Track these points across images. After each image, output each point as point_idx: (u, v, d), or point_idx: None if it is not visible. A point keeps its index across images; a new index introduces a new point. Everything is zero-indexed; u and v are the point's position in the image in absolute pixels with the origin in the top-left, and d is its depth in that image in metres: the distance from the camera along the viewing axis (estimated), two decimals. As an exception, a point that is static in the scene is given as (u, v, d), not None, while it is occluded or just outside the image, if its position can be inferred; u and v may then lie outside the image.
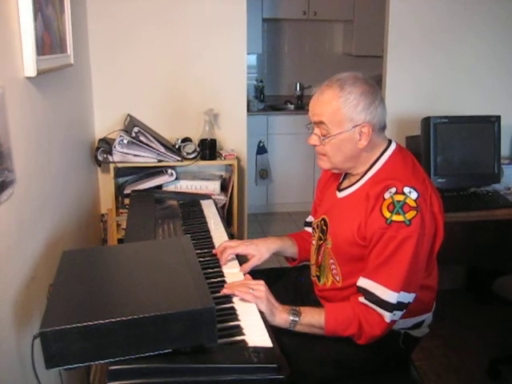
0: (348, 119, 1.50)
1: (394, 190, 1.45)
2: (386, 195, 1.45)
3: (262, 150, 4.88)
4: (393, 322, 1.49)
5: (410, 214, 1.42)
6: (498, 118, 2.80)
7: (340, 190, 1.67)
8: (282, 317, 1.48)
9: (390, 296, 1.44)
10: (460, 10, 3.05)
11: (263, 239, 1.83)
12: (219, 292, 1.50)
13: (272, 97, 5.36)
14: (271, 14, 5.06)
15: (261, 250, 1.76)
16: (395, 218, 1.43)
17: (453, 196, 2.72)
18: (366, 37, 4.96)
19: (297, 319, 1.48)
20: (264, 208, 5.05)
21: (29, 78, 1.59)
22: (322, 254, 1.70)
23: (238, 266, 1.71)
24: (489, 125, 2.80)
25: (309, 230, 1.90)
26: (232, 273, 1.66)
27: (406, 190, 1.44)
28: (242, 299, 1.46)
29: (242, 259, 1.76)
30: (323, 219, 1.70)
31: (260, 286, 1.49)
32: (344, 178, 1.70)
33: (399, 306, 1.46)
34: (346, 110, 1.49)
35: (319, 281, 1.73)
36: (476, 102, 3.12)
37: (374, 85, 1.55)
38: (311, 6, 5.06)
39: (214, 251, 1.76)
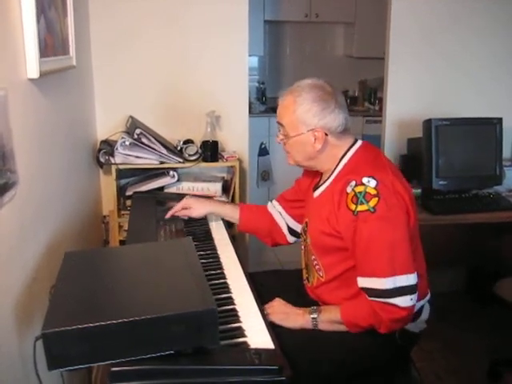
0: (301, 123, 1.61)
1: (353, 183, 1.52)
2: (348, 189, 1.53)
3: (263, 151, 4.86)
4: (412, 306, 1.52)
5: (373, 202, 1.49)
6: (500, 120, 2.80)
7: (315, 190, 1.74)
8: (304, 317, 1.59)
9: (384, 283, 1.48)
10: (461, 11, 3.05)
11: (205, 199, 2.11)
12: (221, 293, 1.51)
13: (274, 98, 5.32)
14: (273, 16, 5.07)
15: (199, 206, 2.01)
16: (360, 208, 1.50)
17: (454, 198, 2.72)
18: (368, 39, 4.96)
19: (316, 316, 1.58)
20: (265, 210, 5.04)
21: (31, 80, 1.60)
22: (307, 253, 1.77)
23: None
24: (490, 127, 2.80)
25: (273, 204, 2.00)
26: (233, 273, 1.66)
27: (365, 180, 1.51)
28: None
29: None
30: (306, 222, 1.78)
31: (273, 303, 1.63)
32: (320, 179, 1.76)
33: (403, 289, 1.49)
34: (299, 115, 1.61)
35: (309, 282, 1.79)
36: (477, 104, 3.11)
37: (332, 92, 1.63)
38: (313, 8, 5.06)
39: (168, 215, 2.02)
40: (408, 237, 1.53)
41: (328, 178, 1.68)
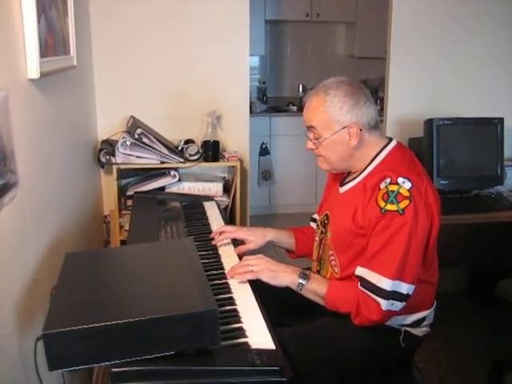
0: (335, 121, 1.58)
1: (388, 180, 1.50)
2: (382, 185, 1.50)
3: (264, 151, 4.87)
4: (391, 311, 1.50)
5: (404, 204, 1.47)
6: (501, 120, 2.79)
7: (342, 186, 1.72)
8: (291, 277, 1.58)
9: (385, 283, 1.47)
10: (461, 12, 3.05)
11: (260, 227, 1.94)
12: (222, 294, 1.50)
13: (275, 98, 5.36)
14: (274, 16, 5.06)
15: (257, 237, 1.86)
16: (389, 207, 1.47)
17: (455, 198, 2.72)
18: (369, 38, 4.96)
19: (304, 283, 1.57)
20: (267, 209, 5.05)
21: (32, 80, 1.60)
22: (323, 246, 1.75)
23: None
24: (492, 127, 2.79)
25: (313, 225, 1.94)
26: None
27: (400, 180, 1.49)
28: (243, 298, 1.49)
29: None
30: (326, 214, 1.75)
31: (259, 260, 1.62)
32: (348, 175, 1.73)
33: (395, 295, 1.47)
34: (332, 113, 1.57)
35: (320, 275, 1.75)
36: (478, 104, 3.11)
37: (359, 86, 1.62)
38: (314, 7, 5.06)
39: (211, 235, 1.86)
40: (423, 248, 1.52)
41: (359, 174, 1.64)
